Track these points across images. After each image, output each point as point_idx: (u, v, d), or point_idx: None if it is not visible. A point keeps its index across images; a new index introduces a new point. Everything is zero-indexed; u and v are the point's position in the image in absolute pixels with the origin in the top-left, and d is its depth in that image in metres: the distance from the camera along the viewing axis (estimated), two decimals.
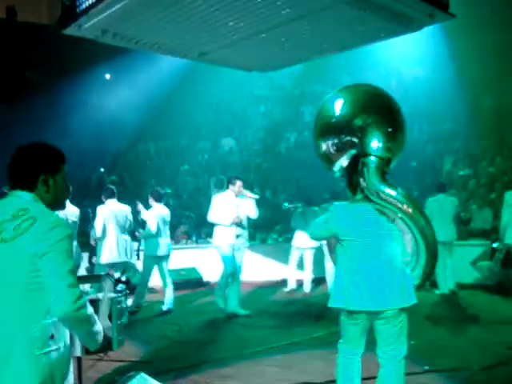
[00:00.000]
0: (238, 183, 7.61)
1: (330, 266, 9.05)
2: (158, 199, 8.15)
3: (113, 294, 3.91)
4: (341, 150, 3.68)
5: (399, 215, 3.42)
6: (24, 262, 2.11)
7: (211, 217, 7.66)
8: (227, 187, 7.73)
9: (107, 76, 16.00)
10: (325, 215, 3.80)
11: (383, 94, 3.82)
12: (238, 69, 7.90)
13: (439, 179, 12.05)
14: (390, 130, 3.57)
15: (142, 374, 3.55)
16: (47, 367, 2.14)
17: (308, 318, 7.40)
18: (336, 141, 3.68)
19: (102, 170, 14.82)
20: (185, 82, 14.41)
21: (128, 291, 3.58)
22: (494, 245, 8.32)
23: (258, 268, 10.30)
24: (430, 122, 14.63)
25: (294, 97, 16.79)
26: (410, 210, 3.37)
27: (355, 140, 3.57)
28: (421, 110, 14.27)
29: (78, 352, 3.56)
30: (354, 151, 3.61)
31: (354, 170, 3.61)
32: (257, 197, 7.67)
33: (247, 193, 7.66)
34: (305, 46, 7.20)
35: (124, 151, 15.79)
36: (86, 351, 3.78)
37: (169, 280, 8.02)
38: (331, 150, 3.73)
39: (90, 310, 2.26)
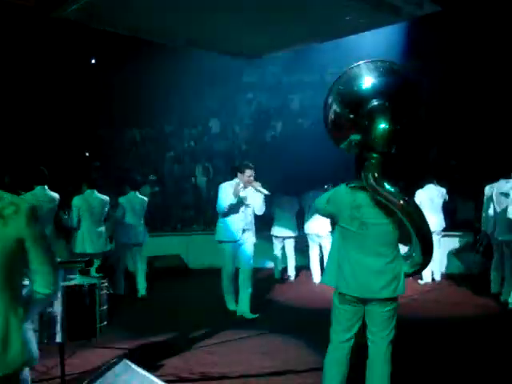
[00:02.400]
0: (248, 172, 6.68)
1: (315, 254, 9.13)
2: (133, 187, 8.21)
3: (95, 281, 3.89)
4: (348, 128, 3.54)
5: (396, 211, 3.38)
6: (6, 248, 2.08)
7: (220, 207, 6.82)
8: (235, 175, 6.87)
9: (93, 61, 15.80)
10: (327, 194, 3.75)
11: (412, 84, 3.59)
12: (225, 54, 7.88)
13: (425, 169, 12.11)
14: (398, 126, 3.43)
15: (126, 361, 3.53)
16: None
17: (289, 307, 7.41)
18: (347, 115, 3.51)
19: (87, 154, 14.72)
20: (171, 68, 14.28)
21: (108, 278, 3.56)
22: (479, 235, 8.42)
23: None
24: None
25: (281, 85, 16.72)
26: (407, 209, 3.34)
27: (362, 125, 3.43)
28: None
29: (59, 338, 3.54)
30: (358, 137, 3.49)
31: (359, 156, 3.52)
32: (267, 192, 6.54)
33: (257, 185, 6.61)
34: (293, 34, 7.21)
35: (109, 137, 15.65)
36: (69, 338, 3.77)
37: (142, 267, 8.14)
38: (341, 122, 3.58)
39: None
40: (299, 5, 5.77)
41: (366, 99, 3.44)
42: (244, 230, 6.79)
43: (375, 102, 3.40)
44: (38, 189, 6.78)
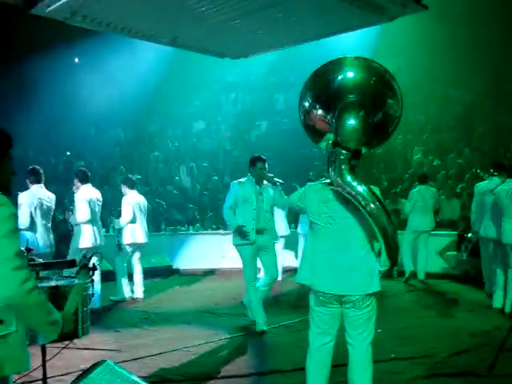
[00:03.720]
0: (259, 165, 6.03)
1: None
2: (131, 186, 8.04)
3: (79, 281, 3.84)
4: (323, 127, 3.50)
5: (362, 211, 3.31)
6: None
7: (223, 209, 6.25)
8: (249, 172, 6.19)
9: (76, 60, 15.70)
10: (300, 191, 3.75)
11: (386, 81, 3.48)
12: (210, 55, 7.83)
13: (408, 170, 12.22)
14: (369, 120, 3.37)
15: (109, 362, 3.50)
16: None
17: (276, 306, 7.42)
18: (320, 113, 3.48)
19: (68, 153, 14.62)
20: (155, 68, 14.26)
21: (93, 278, 3.51)
22: (469, 235, 8.49)
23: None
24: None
25: (266, 85, 16.73)
26: (374, 209, 3.24)
27: (333, 121, 3.39)
28: None
29: (41, 339, 3.49)
30: (332, 135, 3.42)
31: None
32: (280, 181, 5.79)
33: (270, 175, 5.89)
34: (278, 34, 7.18)
35: (92, 137, 15.58)
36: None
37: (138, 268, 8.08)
38: (315, 121, 3.54)
39: (42, 296, 2.20)
40: (284, 5, 5.75)
41: (337, 96, 3.41)
42: (259, 231, 6.01)
43: (345, 99, 3.37)
44: (35, 187, 6.70)
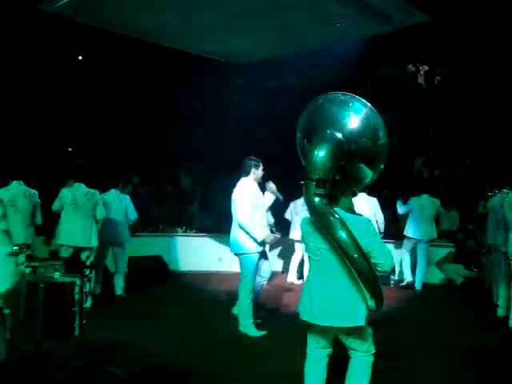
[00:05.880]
0: (261, 166, 5.99)
1: (296, 257, 9.18)
2: (115, 185, 8.11)
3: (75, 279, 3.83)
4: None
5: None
6: None
7: (244, 219, 5.86)
8: (247, 173, 6.02)
9: (79, 57, 15.69)
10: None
11: (366, 121, 3.39)
12: (214, 57, 7.83)
13: (410, 180, 12.23)
14: (345, 151, 3.35)
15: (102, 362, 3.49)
16: None
17: (267, 308, 7.37)
18: (305, 144, 3.56)
19: (70, 149, 14.62)
20: (159, 68, 14.26)
21: (90, 276, 3.52)
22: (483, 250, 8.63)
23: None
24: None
25: (268, 90, 16.73)
26: (342, 242, 3.21)
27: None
28: None
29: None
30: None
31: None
32: (280, 198, 5.93)
33: (273, 188, 6.00)
34: (283, 39, 7.19)
35: (93, 134, 15.54)
36: (45, 337, 3.71)
37: (122, 267, 8.09)
38: (303, 151, 3.62)
39: None
40: (291, 11, 5.75)
41: (316, 129, 3.45)
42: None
43: (321, 131, 3.40)
44: (14, 184, 6.69)
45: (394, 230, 10.12)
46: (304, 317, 3.50)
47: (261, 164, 6.03)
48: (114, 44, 11.35)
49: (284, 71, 14.08)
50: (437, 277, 9.57)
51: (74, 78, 13.96)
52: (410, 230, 9.07)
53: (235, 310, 6.47)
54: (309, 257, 3.59)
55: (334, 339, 3.60)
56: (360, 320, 3.35)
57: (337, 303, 3.36)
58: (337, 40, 6.72)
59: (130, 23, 6.65)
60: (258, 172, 6.02)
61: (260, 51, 7.47)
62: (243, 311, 6.09)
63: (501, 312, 7.04)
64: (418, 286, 9.02)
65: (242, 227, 5.91)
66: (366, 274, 3.24)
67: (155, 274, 9.81)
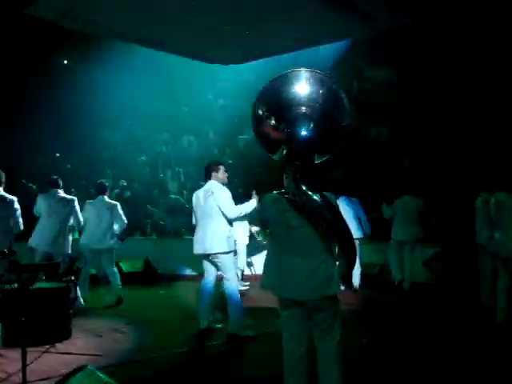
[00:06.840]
0: (222, 168, 6.18)
1: None
2: (100, 191, 8.02)
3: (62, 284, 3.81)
4: (277, 137, 3.52)
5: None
6: None
7: (235, 212, 5.89)
8: (209, 177, 6.17)
9: (65, 61, 15.64)
10: (259, 204, 3.88)
11: (337, 95, 3.54)
12: (200, 60, 7.85)
13: (397, 180, 12.24)
14: (319, 131, 3.43)
15: (90, 368, 3.46)
16: None
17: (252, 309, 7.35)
18: (274, 123, 3.51)
19: (58, 155, 14.57)
20: (144, 71, 14.23)
21: (77, 281, 3.50)
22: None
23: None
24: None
25: (255, 92, 16.72)
26: (329, 216, 3.34)
27: (285, 132, 3.44)
28: None
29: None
30: (285, 146, 3.47)
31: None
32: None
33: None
34: (268, 42, 7.22)
35: (80, 139, 15.48)
36: (32, 343, 3.68)
37: (109, 273, 8.00)
38: (269, 131, 3.56)
39: None
40: (277, 13, 5.79)
41: (288, 107, 3.48)
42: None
43: (297, 110, 3.44)
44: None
45: (381, 232, 10.12)
46: (280, 294, 3.59)
47: (220, 166, 6.17)
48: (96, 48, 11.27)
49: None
50: (424, 276, 9.59)
51: None
52: (395, 232, 9.11)
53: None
54: (275, 233, 3.63)
55: (307, 333, 3.62)
56: (335, 289, 3.50)
57: (313, 277, 3.45)
58: (322, 42, 6.76)
59: (115, 27, 6.66)
60: (219, 175, 6.14)
61: (245, 54, 7.50)
62: (235, 311, 6.06)
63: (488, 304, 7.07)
64: (405, 285, 9.05)
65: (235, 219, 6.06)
66: (349, 239, 3.39)
67: (144, 278, 9.79)
